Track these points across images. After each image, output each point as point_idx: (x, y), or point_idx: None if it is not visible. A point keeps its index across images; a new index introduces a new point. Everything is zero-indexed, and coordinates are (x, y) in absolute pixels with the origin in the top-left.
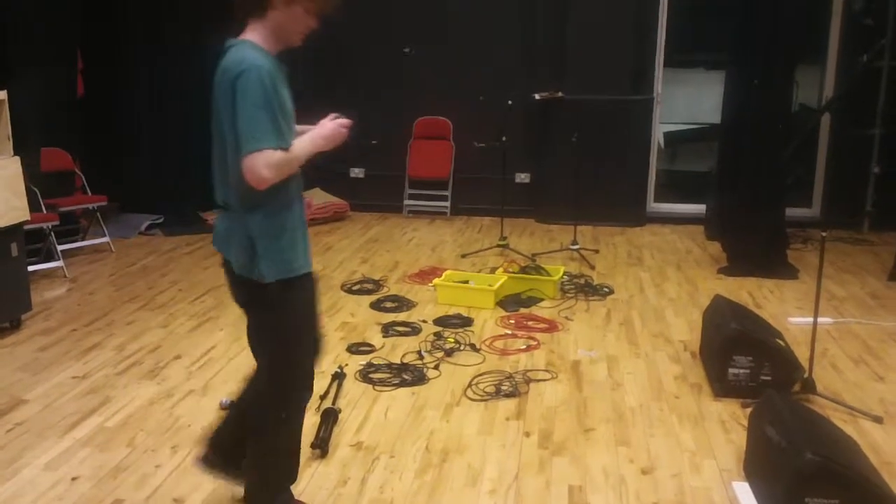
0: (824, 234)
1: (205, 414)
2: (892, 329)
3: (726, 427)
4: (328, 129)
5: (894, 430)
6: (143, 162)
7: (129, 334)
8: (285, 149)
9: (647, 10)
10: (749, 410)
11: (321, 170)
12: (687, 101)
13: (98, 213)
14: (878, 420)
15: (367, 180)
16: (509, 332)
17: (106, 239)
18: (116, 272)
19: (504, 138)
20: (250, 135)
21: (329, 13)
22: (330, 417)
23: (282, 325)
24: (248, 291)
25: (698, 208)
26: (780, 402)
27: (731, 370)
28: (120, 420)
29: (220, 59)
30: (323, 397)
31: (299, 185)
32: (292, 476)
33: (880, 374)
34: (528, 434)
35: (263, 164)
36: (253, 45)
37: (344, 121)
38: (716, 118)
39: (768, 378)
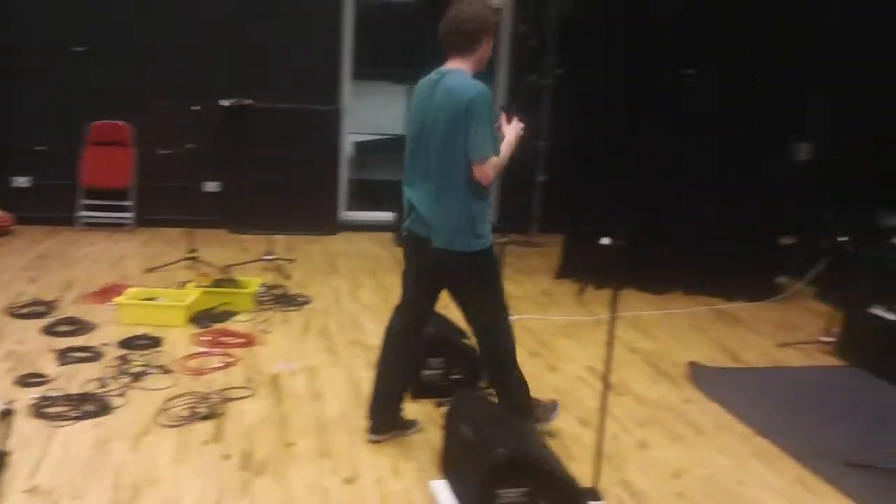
0: (502, 240)
1: None
2: (561, 323)
3: (423, 428)
4: (514, 132)
5: (565, 415)
6: None
7: None
8: (498, 154)
9: (330, 25)
10: (444, 409)
11: None
12: (375, 112)
13: None
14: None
15: (33, 190)
16: (204, 349)
17: None
18: None
19: (189, 145)
20: (482, 145)
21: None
22: None
23: (489, 280)
24: (453, 261)
25: (389, 216)
26: (472, 400)
27: (424, 372)
28: None
29: (433, 83)
30: None
31: None
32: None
33: (553, 365)
34: (227, 457)
35: (490, 167)
36: (467, 74)
37: (519, 123)
38: (401, 129)
39: (459, 377)
